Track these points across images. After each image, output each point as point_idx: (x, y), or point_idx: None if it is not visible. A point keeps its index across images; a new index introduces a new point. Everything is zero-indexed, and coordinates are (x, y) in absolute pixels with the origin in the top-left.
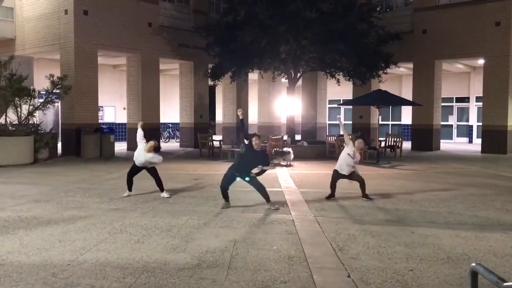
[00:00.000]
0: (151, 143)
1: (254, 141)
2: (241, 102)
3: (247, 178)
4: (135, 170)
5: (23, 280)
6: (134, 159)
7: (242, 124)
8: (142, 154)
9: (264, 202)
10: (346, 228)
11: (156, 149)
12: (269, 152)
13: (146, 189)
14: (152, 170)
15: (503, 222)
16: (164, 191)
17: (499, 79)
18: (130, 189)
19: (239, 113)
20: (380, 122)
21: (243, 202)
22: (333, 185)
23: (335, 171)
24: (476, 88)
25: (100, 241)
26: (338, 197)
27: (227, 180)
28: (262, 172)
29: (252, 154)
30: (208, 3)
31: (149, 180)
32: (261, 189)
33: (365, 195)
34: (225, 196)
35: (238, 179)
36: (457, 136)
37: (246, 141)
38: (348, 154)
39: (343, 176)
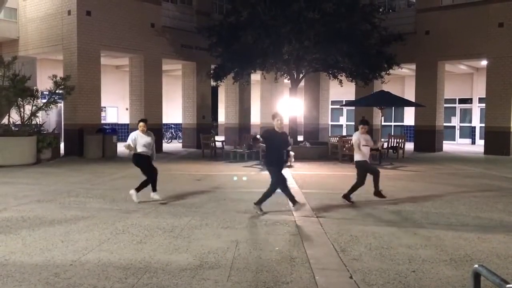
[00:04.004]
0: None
1: (276, 121)
2: (244, 103)
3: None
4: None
5: (25, 280)
6: (142, 150)
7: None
8: (144, 137)
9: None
10: (348, 229)
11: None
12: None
13: (148, 188)
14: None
15: (506, 224)
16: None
17: (502, 80)
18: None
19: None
20: (383, 123)
21: (246, 202)
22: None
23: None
24: (479, 89)
25: (102, 242)
26: (339, 197)
27: (280, 180)
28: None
29: (278, 138)
30: (211, 4)
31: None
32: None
33: (347, 195)
34: (292, 197)
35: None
36: (460, 137)
37: (258, 136)
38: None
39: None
